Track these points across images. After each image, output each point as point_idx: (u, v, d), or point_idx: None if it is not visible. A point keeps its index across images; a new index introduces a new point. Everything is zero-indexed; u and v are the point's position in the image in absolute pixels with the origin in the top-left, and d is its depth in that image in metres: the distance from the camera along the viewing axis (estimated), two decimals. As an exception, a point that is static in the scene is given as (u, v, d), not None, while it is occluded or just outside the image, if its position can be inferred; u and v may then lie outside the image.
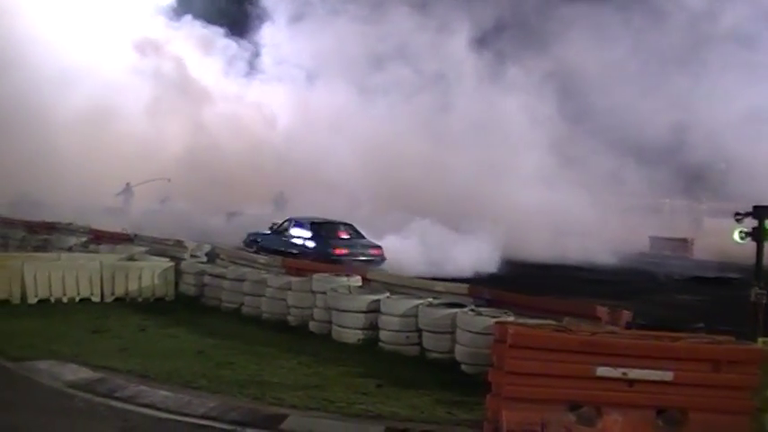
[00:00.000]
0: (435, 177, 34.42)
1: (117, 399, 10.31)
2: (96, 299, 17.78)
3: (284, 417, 9.73)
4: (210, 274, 18.33)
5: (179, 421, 9.59)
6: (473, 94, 38.95)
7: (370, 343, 13.98)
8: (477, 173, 34.25)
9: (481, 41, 40.07)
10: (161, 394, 10.47)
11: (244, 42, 44.75)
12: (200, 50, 43.41)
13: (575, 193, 32.89)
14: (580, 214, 32.08)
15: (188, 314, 16.67)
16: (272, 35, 44.25)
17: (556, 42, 37.91)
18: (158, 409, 9.96)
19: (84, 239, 23.42)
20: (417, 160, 35.42)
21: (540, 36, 38.51)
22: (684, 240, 34.18)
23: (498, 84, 38.66)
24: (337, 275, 16.07)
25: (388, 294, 14.56)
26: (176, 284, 18.75)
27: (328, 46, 41.47)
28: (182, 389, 10.78)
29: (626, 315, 12.53)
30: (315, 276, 15.84)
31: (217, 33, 44.39)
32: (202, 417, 9.69)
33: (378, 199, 33.53)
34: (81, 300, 17.63)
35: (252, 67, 44.75)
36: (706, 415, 8.75)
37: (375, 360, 13.01)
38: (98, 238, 23.64)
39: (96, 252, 20.86)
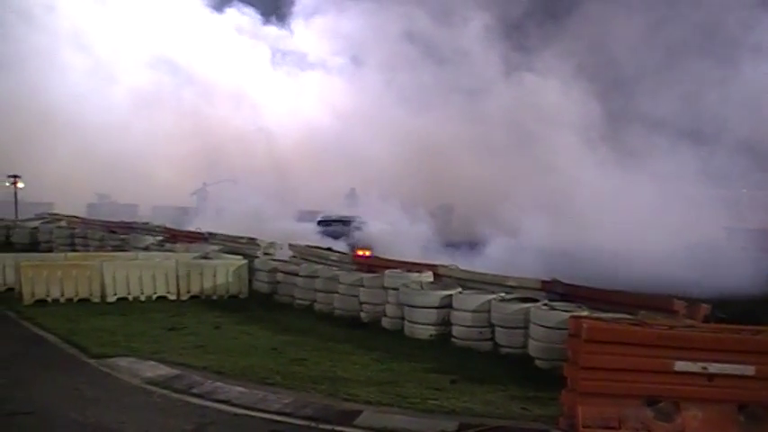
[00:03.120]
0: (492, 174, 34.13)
1: (194, 395, 10.48)
2: (172, 297, 18.14)
3: (358, 413, 9.75)
4: (283, 272, 18.52)
5: (254, 417, 9.68)
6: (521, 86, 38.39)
7: (443, 339, 13.96)
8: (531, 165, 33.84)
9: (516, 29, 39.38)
10: (236, 390, 10.60)
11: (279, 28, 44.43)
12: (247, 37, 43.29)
13: (645, 185, 32.23)
14: (654, 205, 31.40)
15: (261, 311, 16.89)
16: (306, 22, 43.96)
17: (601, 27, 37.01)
18: (234, 404, 10.08)
19: (159, 239, 23.89)
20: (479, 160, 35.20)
21: (583, 22, 37.59)
22: (762, 231, 33.21)
23: (541, 74, 38.04)
24: (409, 271, 16.06)
25: (459, 290, 14.50)
26: (250, 282, 19.00)
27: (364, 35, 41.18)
28: (256, 385, 10.90)
29: (704, 308, 12.23)
30: (387, 273, 15.86)
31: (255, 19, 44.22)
32: (277, 413, 9.77)
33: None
34: (157, 298, 18.03)
35: (289, 54, 44.23)
36: (790, 410, 8.50)
37: (448, 356, 12.97)
38: (173, 237, 24.08)
39: (172, 251, 21.24)
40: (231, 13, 43.45)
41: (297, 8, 43.12)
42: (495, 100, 37.76)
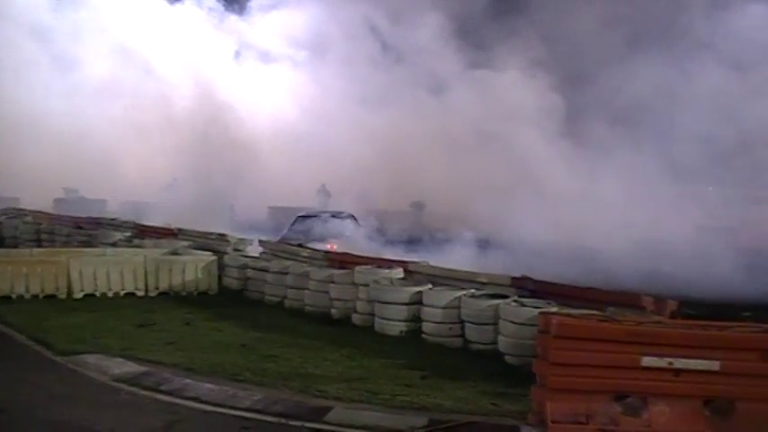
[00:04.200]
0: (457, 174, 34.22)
1: (163, 392, 10.43)
2: (141, 293, 18.03)
3: (328, 409, 9.76)
4: (254, 268, 18.46)
5: (224, 414, 9.66)
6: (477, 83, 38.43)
7: (413, 335, 13.99)
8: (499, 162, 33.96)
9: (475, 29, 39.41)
10: (206, 387, 10.57)
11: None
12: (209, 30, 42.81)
13: (613, 183, 32.47)
14: (619, 203, 31.67)
15: (232, 307, 16.81)
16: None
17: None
18: (204, 402, 10.05)
19: (128, 234, 23.71)
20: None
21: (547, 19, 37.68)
22: (731, 229, 33.60)
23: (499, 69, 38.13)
24: (379, 267, 16.09)
25: (430, 286, 14.56)
26: (220, 278, 18.93)
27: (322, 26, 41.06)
28: (227, 382, 10.87)
29: (671, 304, 12.37)
30: (357, 269, 15.88)
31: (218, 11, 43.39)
32: (247, 409, 9.75)
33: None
34: (126, 294, 17.90)
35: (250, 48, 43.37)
36: (754, 405, 8.62)
37: (418, 352, 13.01)
38: (142, 232, 23.91)
39: (140, 247, 21.08)
40: (192, 4, 43.07)
41: (255, 2, 42.89)
42: (459, 96, 37.83)
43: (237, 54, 43.01)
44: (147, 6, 41.52)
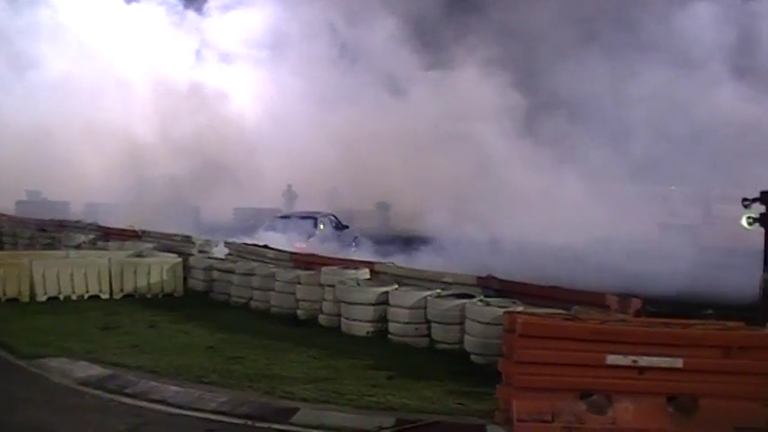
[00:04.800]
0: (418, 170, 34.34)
1: (128, 395, 10.33)
2: (105, 296, 17.83)
3: (295, 410, 9.73)
4: (219, 270, 18.36)
5: (190, 416, 9.60)
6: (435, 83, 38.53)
7: (380, 335, 14.01)
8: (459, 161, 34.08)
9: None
10: (172, 390, 10.48)
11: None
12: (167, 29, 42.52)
13: (574, 182, 32.68)
14: (581, 202, 31.93)
15: (197, 309, 16.69)
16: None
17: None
18: (169, 404, 9.97)
19: (92, 237, 23.48)
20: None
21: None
22: (693, 227, 33.99)
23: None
24: (346, 268, 16.07)
25: (396, 286, 14.58)
26: (185, 280, 18.79)
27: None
28: (192, 384, 10.79)
29: (636, 303, 12.49)
30: (323, 270, 15.86)
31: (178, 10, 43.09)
32: (213, 411, 9.70)
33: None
34: (90, 297, 17.69)
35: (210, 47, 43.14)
36: (717, 401, 8.73)
37: (385, 352, 13.01)
38: (107, 235, 23.69)
39: (105, 249, 20.87)
40: (151, 3, 42.69)
41: (213, 2, 42.65)
42: (419, 96, 37.91)
43: (198, 54, 42.68)
44: (105, 5, 41.09)
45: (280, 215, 28.76)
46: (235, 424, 9.33)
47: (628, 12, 34.53)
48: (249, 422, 9.35)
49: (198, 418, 9.55)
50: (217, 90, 40.49)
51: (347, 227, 27.72)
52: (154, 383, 10.78)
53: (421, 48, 38.85)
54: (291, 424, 9.35)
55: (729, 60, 32.44)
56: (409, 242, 26.93)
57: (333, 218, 27.86)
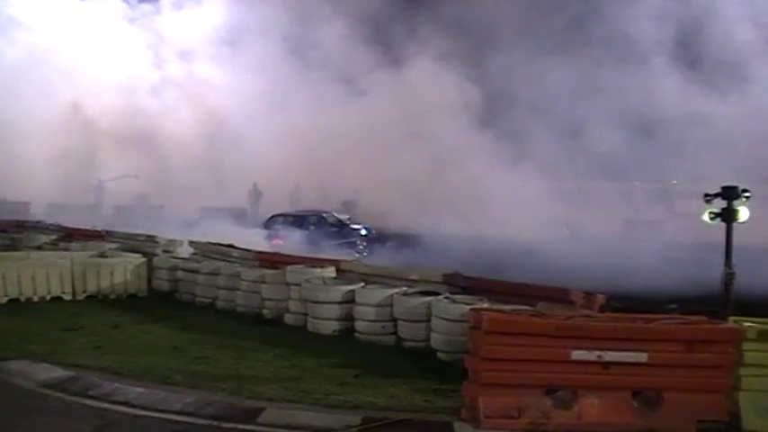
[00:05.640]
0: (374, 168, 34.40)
1: (91, 397, 10.20)
2: (68, 297, 17.60)
3: (261, 410, 9.67)
4: (184, 269, 18.22)
5: (155, 417, 9.50)
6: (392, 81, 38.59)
7: (346, 333, 13.99)
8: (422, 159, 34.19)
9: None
10: (136, 391, 10.36)
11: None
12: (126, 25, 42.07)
13: (537, 178, 32.91)
14: (545, 199, 32.17)
15: (162, 310, 16.55)
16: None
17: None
18: (134, 406, 9.86)
19: (54, 237, 23.18)
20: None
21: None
22: (656, 222, 34.36)
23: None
24: (311, 267, 16.02)
25: (362, 284, 14.55)
26: (149, 280, 18.62)
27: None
28: (157, 385, 10.68)
29: (600, 298, 12.56)
30: (289, 268, 15.79)
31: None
32: (178, 412, 9.60)
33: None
34: (52, 298, 17.45)
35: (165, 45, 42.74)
36: (681, 395, 8.83)
37: (351, 350, 12.99)
38: (69, 235, 23.40)
39: (67, 250, 20.61)
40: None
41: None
42: (380, 93, 37.92)
43: (155, 51, 42.29)
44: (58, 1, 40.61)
45: (277, 214, 28.62)
46: (200, 425, 9.25)
47: (584, 5, 34.77)
48: (215, 422, 9.27)
49: (163, 419, 9.45)
50: (177, 87, 40.25)
51: (345, 225, 27.72)
52: (118, 385, 10.65)
53: (377, 45, 38.91)
54: (258, 424, 9.30)
55: (686, 55, 32.80)
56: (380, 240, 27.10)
57: (333, 216, 27.90)
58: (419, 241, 25.93)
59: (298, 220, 27.05)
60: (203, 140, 37.44)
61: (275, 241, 24.53)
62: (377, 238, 28.16)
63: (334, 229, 27.54)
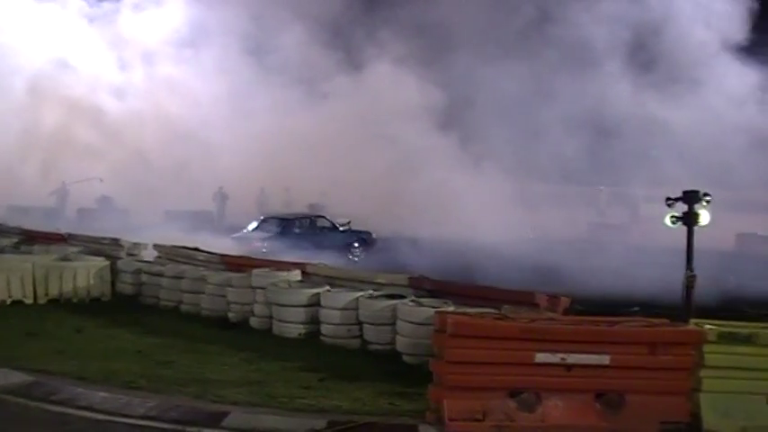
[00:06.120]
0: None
1: (53, 402, 10.06)
2: (29, 301, 17.34)
3: (226, 414, 9.62)
4: (148, 273, 18.07)
5: (118, 422, 9.40)
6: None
7: (312, 337, 13.96)
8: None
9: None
10: (99, 396, 10.25)
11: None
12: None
13: (502, 181, 33.06)
14: (511, 202, 32.36)
15: (126, 313, 16.38)
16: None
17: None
18: (96, 410, 9.75)
19: (15, 240, 22.87)
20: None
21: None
22: (621, 226, 34.74)
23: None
24: (277, 270, 15.97)
25: (327, 288, 14.54)
26: (113, 284, 18.43)
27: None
28: (120, 390, 10.57)
29: (564, 301, 12.67)
30: (254, 272, 15.72)
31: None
32: (142, 417, 9.52)
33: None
34: (13, 303, 17.15)
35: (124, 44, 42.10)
36: (643, 397, 8.94)
37: (317, 354, 12.97)
38: (31, 238, 23.10)
39: (29, 253, 20.36)
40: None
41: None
42: (341, 97, 37.91)
43: (117, 53, 41.86)
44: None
45: (269, 216, 28.53)
46: (164, 429, 9.18)
47: (546, 7, 34.98)
48: (179, 427, 9.21)
49: (126, 424, 9.36)
50: (140, 88, 39.93)
51: (338, 228, 27.75)
52: (80, 390, 10.53)
53: (339, 48, 38.88)
54: (222, 428, 9.26)
55: (648, 58, 33.13)
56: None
57: (326, 220, 27.88)
58: (390, 244, 26.08)
59: (284, 223, 27.06)
60: (167, 143, 37.09)
61: (256, 244, 24.62)
62: (371, 243, 28.07)
63: (326, 232, 27.48)
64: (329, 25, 38.76)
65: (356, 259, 26.55)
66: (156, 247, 20.57)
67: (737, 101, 31.85)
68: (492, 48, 34.37)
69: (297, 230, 27.01)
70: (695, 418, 9.08)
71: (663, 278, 16.71)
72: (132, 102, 40.04)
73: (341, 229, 28.24)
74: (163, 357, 12.51)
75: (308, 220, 28.08)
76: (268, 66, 39.03)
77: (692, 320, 10.11)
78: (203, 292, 16.30)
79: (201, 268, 17.47)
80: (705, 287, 14.94)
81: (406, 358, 12.39)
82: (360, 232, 28.48)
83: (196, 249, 19.60)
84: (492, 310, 11.20)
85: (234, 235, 26.55)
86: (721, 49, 32.50)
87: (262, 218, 28.03)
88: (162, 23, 40.43)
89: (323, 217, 28.22)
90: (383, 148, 34.96)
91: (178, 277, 17.09)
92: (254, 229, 26.79)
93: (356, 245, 27.58)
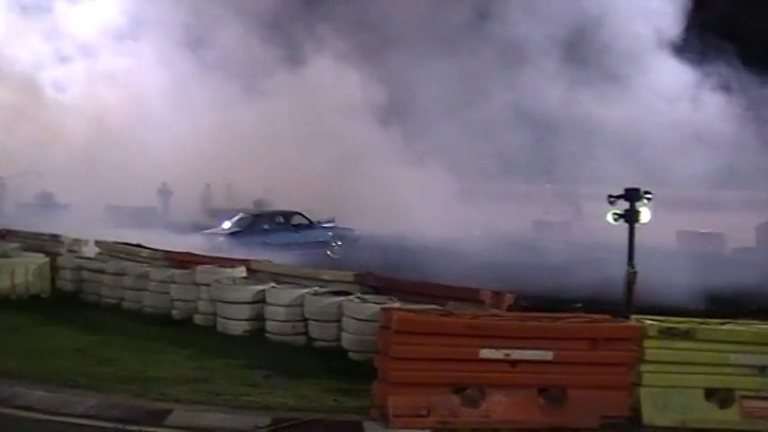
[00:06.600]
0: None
1: (-11, 402, 9.86)
2: (-36, 299, 16.95)
3: (169, 412, 9.51)
4: (89, 269, 17.78)
5: (57, 422, 9.22)
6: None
7: (257, 334, 13.85)
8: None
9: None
10: (37, 395, 10.05)
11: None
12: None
13: (445, 178, 33.24)
14: (457, 199, 32.57)
15: (66, 311, 16.09)
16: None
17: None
18: (35, 410, 9.55)
19: (-49, 238, 22.35)
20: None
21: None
22: (565, 224, 35.16)
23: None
24: (222, 267, 15.84)
25: (273, 284, 14.46)
26: (53, 281, 18.09)
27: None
28: (60, 389, 10.36)
29: (508, 298, 12.78)
30: (199, 268, 15.58)
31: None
32: (82, 416, 9.34)
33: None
34: (-53, 301, 16.76)
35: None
36: (585, 392, 9.04)
37: (262, 351, 12.86)
38: (-33, 235, 22.59)
39: (-36, 250, 19.89)
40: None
41: None
42: (287, 92, 37.76)
43: (55, 45, 41.06)
44: None
45: (248, 213, 28.29)
46: (104, 428, 9.02)
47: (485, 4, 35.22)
48: (119, 425, 9.05)
49: (65, 423, 9.19)
50: (79, 81, 39.28)
51: (314, 224, 27.60)
52: (18, 389, 10.29)
53: (280, 43, 38.74)
54: (164, 426, 9.14)
55: (587, 59, 33.55)
56: None
57: (301, 216, 27.71)
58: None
59: (252, 220, 26.95)
60: (109, 137, 36.51)
61: (219, 240, 24.55)
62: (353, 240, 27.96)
63: (302, 229, 27.28)
64: (269, 20, 38.56)
65: (335, 256, 26.38)
66: (97, 243, 20.28)
67: (673, 98, 32.43)
68: (432, 44, 34.54)
69: (266, 227, 26.89)
70: (635, 412, 9.21)
71: (606, 275, 16.95)
72: (72, 95, 39.34)
73: (324, 225, 28.13)
74: (104, 355, 12.31)
75: (282, 217, 27.92)
76: (208, 61, 38.73)
77: (633, 316, 10.25)
78: (146, 289, 16.06)
79: (144, 265, 17.26)
80: (646, 283, 15.11)
81: (351, 355, 12.37)
82: (341, 229, 28.36)
83: (139, 246, 19.36)
84: (437, 307, 11.23)
85: (205, 231, 26.39)
86: (657, 47, 33.09)
87: (241, 215, 27.91)
88: (99, 14, 39.75)
89: (299, 213, 28.02)
90: (326, 143, 34.92)
91: (120, 274, 16.83)
92: (232, 226, 26.67)
93: (337, 242, 27.38)
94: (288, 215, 27.95)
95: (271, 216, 27.97)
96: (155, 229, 24.91)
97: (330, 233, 27.67)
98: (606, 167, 29.14)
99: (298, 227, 27.45)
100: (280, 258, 18.76)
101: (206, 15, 39.12)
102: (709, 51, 31.94)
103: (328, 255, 26.35)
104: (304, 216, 27.79)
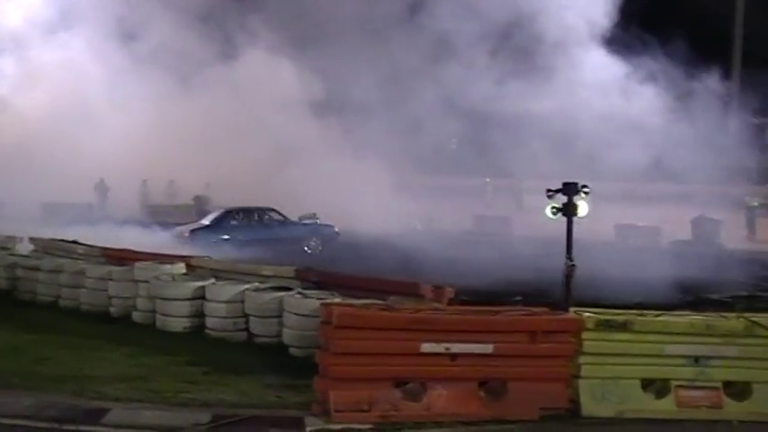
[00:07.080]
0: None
1: None
2: None
3: (106, 410, 9.37)
4: (24, 267, 17.43)
5: (-10, 423, 9.05)
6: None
7: (197, 331, 13.74)
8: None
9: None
10: (-30, 396, 9.83)
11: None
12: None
13: (383, 172, 33.31)
14: (397, 193, 32.66)
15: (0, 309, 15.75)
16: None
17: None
18: (-32, 412, 9.35)
19: None
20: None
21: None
22: (505, 218, 35.47)
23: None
24: (161, 263, 15.64)
25: (213, 280, 14.34)
26: (-14, 279, 17.70)
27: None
28: (-6, 389, 10.17)
29: (449, 292, 12.84)
30: (137, 265, 15.35)
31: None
32: (17, 416, 9.14)
33: None
34: None
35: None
36: (524, 384, 9.15)
37: (202, 348, 12.78)
38: None
39: None
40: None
41: None
42: (222, 86, 37.46)
43: None
44: None
45: (228, 209, 27.87)
46: (40, 428, 8.86)
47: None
48: (56, 425, 8.89)
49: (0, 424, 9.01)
50: (9, 74, 38.43)
51: (289, 221, 27.36)
52: (-50, 390, 10.08)
53: (213, 38, 38.40)
54: (102, 425, 9.00)
55: (519, 52, 33.86)
56: None
57: (274, 213, 27.44)
58: None
59: (219, 216, 26.76)
60: (43, 132, 35.72)
61: (185, 234, 24.28)
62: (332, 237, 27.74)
63: (276, 225, 27.01)
64: (203, 13, 38.21)
65: (310, 252, 26.18)
66: (32, 240, 19.88)
67: (604, 90, 32.88)
68: (365, 37, 34.54)
69: (234, 223, 26.65)
70: (574, 403, 9.35)
71: (546, 268, 17.12)
72: (1, 89, 38.45)
73: (304, 223, 27.97)
74: (39, 354, 12.08)
75: (256, 213, 27.62)
76: (142, 54, 38.14)
77: (572, 309, 10.39)
78: (83, 287, 15.81)
79: (81, 262, 16.97)
80: (584, 276, 15.30)
81: (292, 351, 12.33)
82: (319, 226, 28.09)
83: (75, 242, 19.03)
84: (378, 301, 11.24)
85: (177, 228, 26.11)
86: (589, 39, 33.54)
87: (222, 211, 27.66)
88: (28, 6, 38.88)
89: (273, 210, 27.74)
90: (263, 137, 34.72)
91: (56, 271, 16.53)
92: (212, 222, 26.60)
93: (315, 239, 27.16)
94: (261, 211, 27.69)
95: (240, 212, 27.64)
96: (92, 226, 24.46)
97: (306, 230, 27.44)
98: (542, 160, 29.48)
99: (270, 223, 27.23)
100: (247, 255, 18.64)
101: (139, 7, 38.50)
102: (636, 44, 32.48)
103: (305, 251, 26.09)
104: (279, 213, 27.58)
